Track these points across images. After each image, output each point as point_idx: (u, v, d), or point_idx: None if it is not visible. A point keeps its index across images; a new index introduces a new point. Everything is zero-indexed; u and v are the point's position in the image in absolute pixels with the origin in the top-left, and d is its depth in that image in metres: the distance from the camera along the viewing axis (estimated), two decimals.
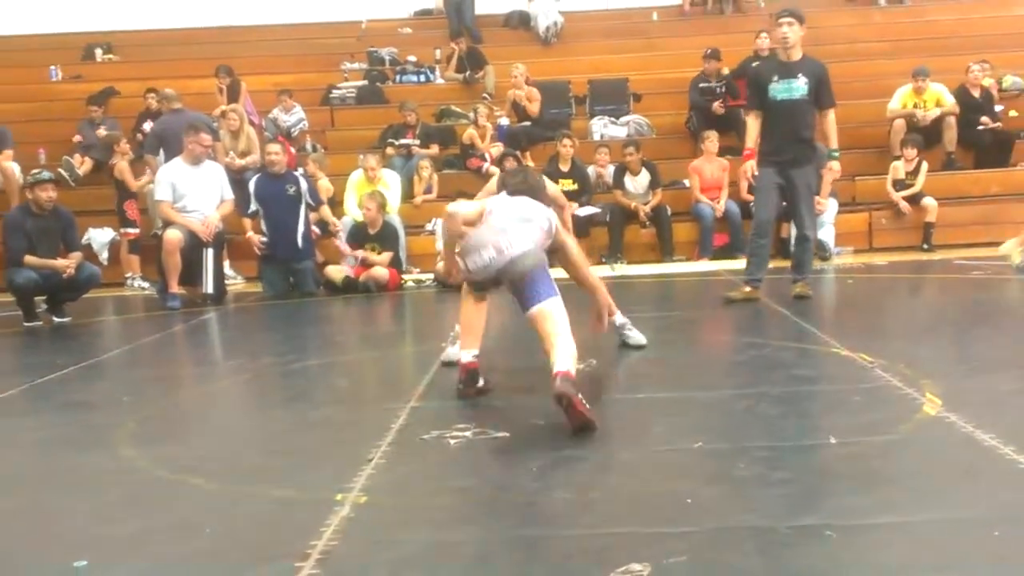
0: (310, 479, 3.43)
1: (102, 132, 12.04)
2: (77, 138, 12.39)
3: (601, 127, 12.55)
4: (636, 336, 5.53)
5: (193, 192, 8.75)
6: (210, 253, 8.70)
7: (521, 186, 4.65)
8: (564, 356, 3.96)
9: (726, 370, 5.32)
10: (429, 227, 10.43)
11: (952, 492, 3.03)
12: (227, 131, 10.77)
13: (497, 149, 11.25)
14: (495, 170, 10.89)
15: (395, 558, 2.69)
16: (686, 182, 11.01)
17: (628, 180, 10.76)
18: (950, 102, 11.22)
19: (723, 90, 11.87)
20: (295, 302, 8.73)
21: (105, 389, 5.46)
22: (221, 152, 10.26)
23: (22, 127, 12.23)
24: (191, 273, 8.68)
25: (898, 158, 10.86)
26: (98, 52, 15.34)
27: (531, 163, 11.41)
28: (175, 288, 8.56)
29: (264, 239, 9.08)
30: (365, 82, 13.93)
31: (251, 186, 9.19)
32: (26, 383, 5.47)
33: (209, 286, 8.68)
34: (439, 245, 5.19)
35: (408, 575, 2.60)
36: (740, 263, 8.07)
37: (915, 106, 11.33)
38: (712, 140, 10.81)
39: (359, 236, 9.35)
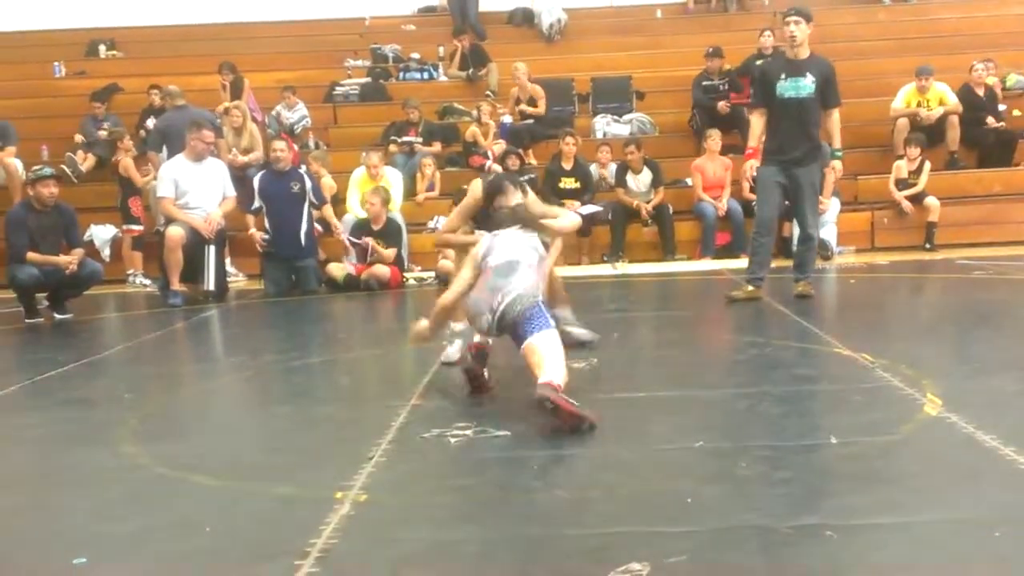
0: (311, 477, 3.43)
1: (105, 130, 12.04)
2: (79, 136, 12.39)
3: (604, 125, 12.55)
4: (580, 333, 5.41)
5: (195, 189, 8.75)
6: (212, 250, 8.71)
7: (508, 220, 4.67)
8: (549, 369, 3.95)
9: (727, 369, 5.32)
10: (431, 224, 10.43)
11: (953, 493, 3.03)
12: (230, 128, 10.77)
13: (500, 147, 11.25)
14: (498, 168, 10.90)
15: (395, 556, 2.69)
16: (688, 181, 11.00)
17: (630, 178, 10.75)
18: (953, 101, 11.20)
19: (726, 88, 11.86)
20: (297, 300, 8.74)
21: (106, 386, 5.46)
22: (224, 149, 10.27)
23: (25, 123, 12.23)
24: (193, 270, 8.69)
25: (901, 157, 10.84)
26: (101, 48, 15.36)
27: (534, 161, 11.43)
28: (177, 285, 8.57)
29: (266, 236, 9.09)
30: (368, 79, 13.93)
31: (255, 182, 9.21)
32: (27, 380, 5.47)
33: (211, 283, 8.69)
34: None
35: (408, 573, 2.61)
36: (742, 262, 8.08)
37: (919, 105, 11.32)
38: (715, 138, 10.81)
39: (362, 233, 9.35)
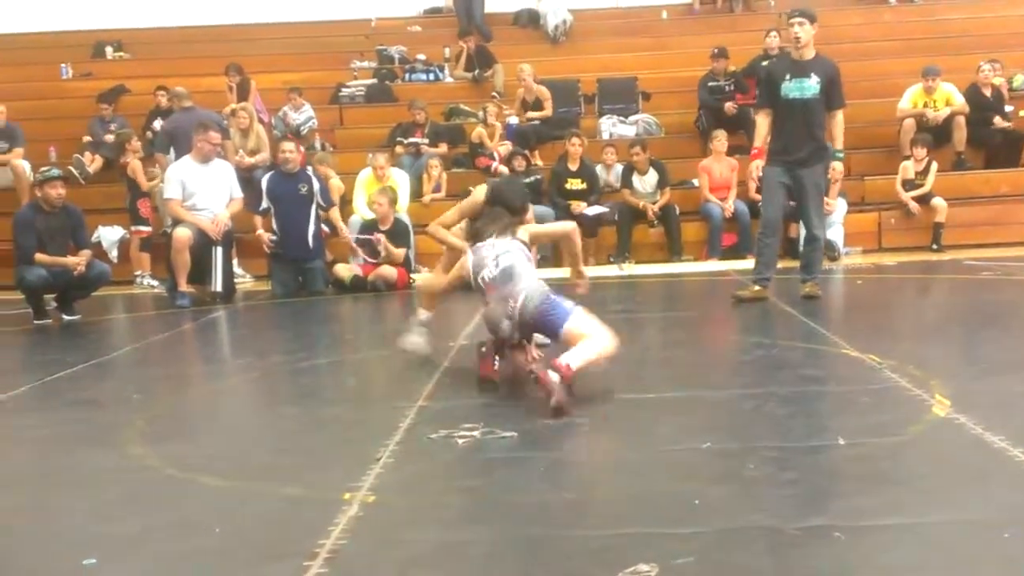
0: (319, 478, 3.44)
1: (112, 132, 12.06)
2: (87, 137, 12.42)
3: (610, 126, 12.54)
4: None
5: (202, 190, 8.76)
6: (219, 251, 8.72)
7: (503, 232, 4.91)
8: (574, 352, 4.27)
9: (734, 370, 5.32)
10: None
11: (961, 494, 3.03)
12: (237, 129, 10.80)
13: (506, 148, 11.25)
14: (504, 169, 10.92)
15: (403, 557, 2.69)
16: (695, 181, 10.99)
17: (636, 179, 10.75)
18: (960, 102, 11.18)
19: (732, 89, 11.85)
20: (304, 301, 8.74)
21: (114, 387, 5.47)
22: (231, 150, 10.29)
23: (32, 125, 12.27)
24: (200, 271, 8.70)
25: (908, 158, 10.82)
26: (108, 50, 15.38)
27: (540, 162, 11.43)
28: (184, 286, 8.58)
29: (274, 237, 9.11)
30: (374, 80, 13.94)
31: (263, 184, 9.23)
32: (35, 381, 5.49)
33: (218, 284, 8.70)
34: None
35: (416, 574, 2.61)
36: (749, 263, 8.07)
37: (925, 105, 11.29)
38: (721, 139, 10.79)
39: (369, 233, 9.36)
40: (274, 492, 3.30)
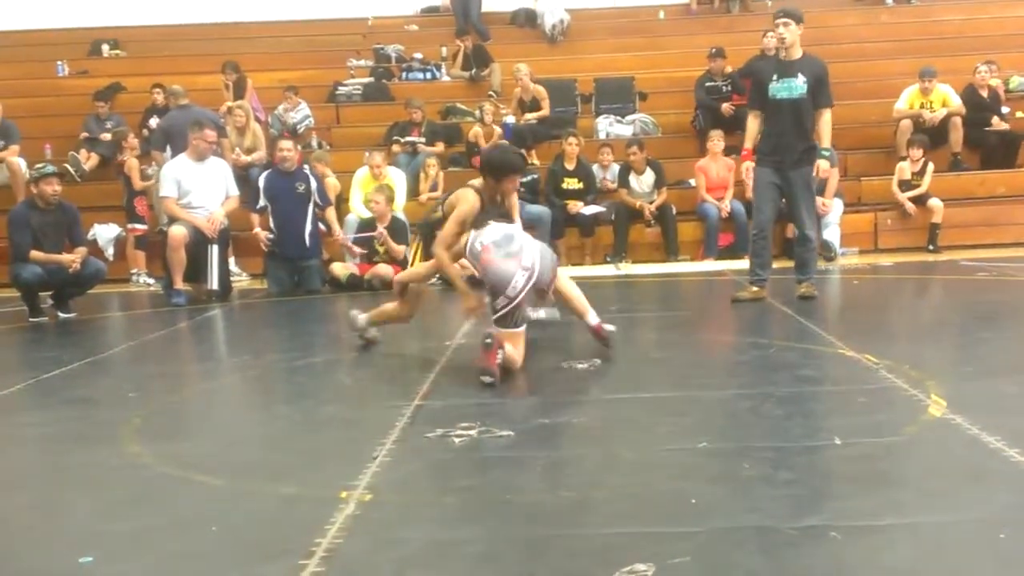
0: (315, 477, 3.44)
1: (108, 130, 12.05)
2: (83, 134, 12.40)
3: (607, 126, 12.54)
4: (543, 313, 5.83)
5: (198, 188, 8.75)
6: (215, 249, 8.71)
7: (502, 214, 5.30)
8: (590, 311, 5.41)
9: (731, 370, 5.32)
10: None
11: (957, 494, 3.03)
12: (233, 127, 10.79)
13: None
14: None
15: (400, 556, 2.69)
16: (692, 181, 10.99)
17: (633, 179, 10.75)
18: (956, 103, 11.20)
19: (728, 89, 11.86)
20: (300, 299, 8.74)
21: (110, 385, 5.46)
22: (227, 148, 10.28)
23: (28, 122, 12.24)
24: (196, 269, 8.69)
25: (904, 159, 10.83)
26: (104, 48, 15.36)
27: (536, 161, 11.42)
28: (180, 284, 8.58)
29: (271, 235, 9.10)
30: (371, 79, 13.92)
31: (260, 182, 9.23)
32: (31, 379, 5.48)
33: (214, 282, 8.69)
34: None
35: (413, 573, 2.61)
36: (745, 263, 8.07)
37: (922, 106, 11.31)
38: (718, 139, 10.80)
39: (366, 232, 9.35)
40: (270, 491, 3.30)
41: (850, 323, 6.62)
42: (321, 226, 9.53)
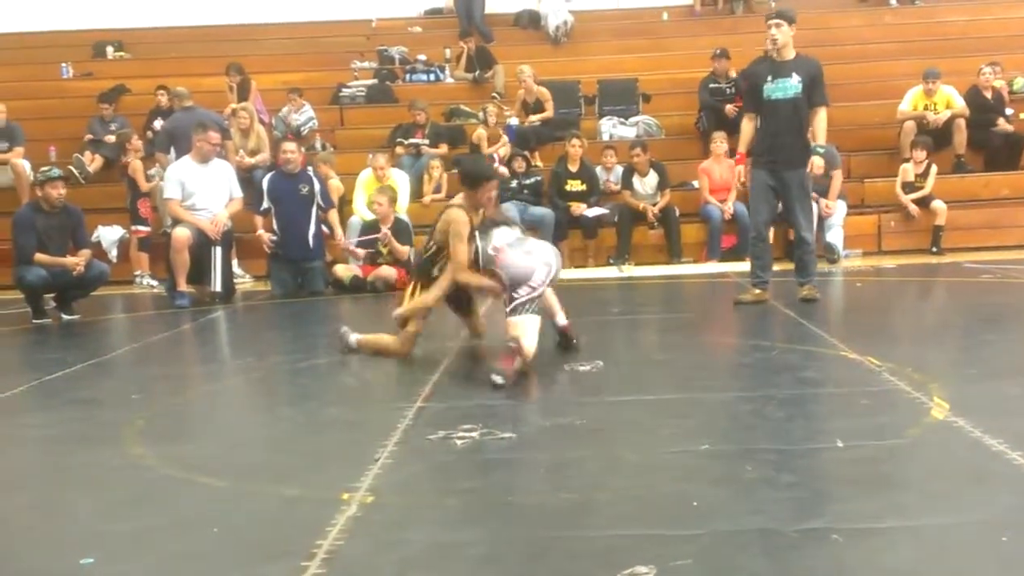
0: (317, 478, 3.44)
1: (112, 132, 12.07)
2: (88, 136, 12.42)
3: (610, 127, 12.54)
4: None
5: (202, 190, 8.76)
6: (218, 251, 8.72)
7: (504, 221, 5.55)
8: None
9: (733, 372, 5.32)
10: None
11: (960, 497, 3.03)
12: (237, 129, 10.80)
13: (505, 149, 11.25)
14: (504, 170, 10.92)
15: (401, 558, 2.69)
16: (695, 183, 10.99)
17: (636, 181, 10.75)
18: (960, 104, 11.19)
19: (732, 91, 11.85)
20: (303, 301, 8.75)
21: (113, 387, 5.47)
22: (231, 150, 10.29)
23: (33, 124, 12.28)
24: (199, 271, 8.70)
25: (908, 160, 10.82)
26: (109, 50, 15.40)
27: (540, 163, 11.43)
28: (183, 286, 8.59)
29: (274, 237, 9.11)
30: (375, 81, 13.94)
31: (264, 184, 9.24)
32: (35, 380, 5.49)
33: (217, 284, 8.70)
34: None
35: (414, 575, 2.61)
36: (748, 265, 8.07)
37: (925, 108, 11.30)
38: (721, 141, 10.79)
39: (369, 234, 9.36)
40: (272, 492, 3.30)
41: (853, 325, 6.61)
42: (324, 228, 9.54)
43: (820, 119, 7.07)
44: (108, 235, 10.71)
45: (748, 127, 7.28)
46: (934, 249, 10.38)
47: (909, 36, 14.60)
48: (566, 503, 3.09)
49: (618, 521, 2.92)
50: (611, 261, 10.51)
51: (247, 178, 9.94)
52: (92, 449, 4.00)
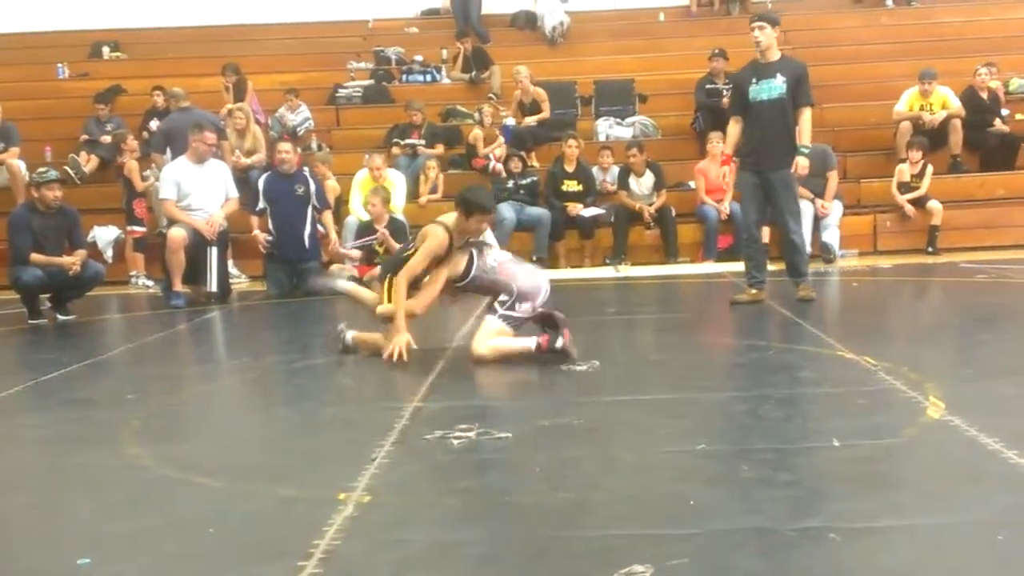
0: (314, 478, 3.44)
1: (108, 132, 12.05)
2: (84, 136, 12.41)
3: (607, 128, 12.55)
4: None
5: (198, 191, 8.75)
6: (214, 252, 8.71)
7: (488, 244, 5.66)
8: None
9: (729, 372, 5.32)
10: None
11: (956, 496, 3.03)
12: (233, 130, 10.79)
13: (502, 149, 11.25)
14: (500, 169, 10.93)
15: (398, 557, 2.69)
16: (691, 183, 10.99)
17: (633, 181, 10.76)
18: (956, 105, 11.20)
19: (729, 91, 11.85)
20: (299, 301, 8.73)
21: (109, 387, 5.46)
22: (227, 151, 10.28)
23: (28, 124, 12.27)
24: (195, 272, 8.69)
25: (903, 161, 10.84)
26: (105, 50, 15.37)
27: (536, 163, 11.43)
28: (179, 286, 8.58)
29: (269, 237, 9.10)
30: (371, 81, 13.94)
31: (260, 184, 9.23)
32: (30, 380, 5.48)
33: (213, 285, 8.69)
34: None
35: (411, 575, 2.61)
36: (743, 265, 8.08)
37: (921, 108, 11.31)
38: (717, 141, 10.75)
39: (365, 235, 9.36)
40: (269, 492, 3.30)
41: (849, 325, 6.62)
42: (320, 228, 9.53)
43: (805, 119, 7.09)
44: (104, 235, 10.70)
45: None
46: (930, 249, 10.38)
47: (905, 37, 14.62)
48: (563, 503, 3.09)
49: (615, 520, 2.92)
50: (607, 261, 10.52)
51: (243, 178, 9.93)
52: (88, 449, 4.00)
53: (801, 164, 7.02)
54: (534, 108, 12.19)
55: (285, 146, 9.41)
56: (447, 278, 5.42)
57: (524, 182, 10.67)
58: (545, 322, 5.38)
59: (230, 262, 9.64)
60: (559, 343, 5.23)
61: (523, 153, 11.09)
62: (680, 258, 10.50)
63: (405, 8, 16.41)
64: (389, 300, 5.52)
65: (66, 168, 11.29)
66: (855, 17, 15.54)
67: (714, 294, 8.54)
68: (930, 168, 10.68)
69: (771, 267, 7.63)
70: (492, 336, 5.31)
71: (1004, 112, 11.66)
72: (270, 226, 9.16)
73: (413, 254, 5.49)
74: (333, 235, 9.51)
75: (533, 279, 5.45)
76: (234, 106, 11.49)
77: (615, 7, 16.28)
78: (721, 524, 2.82)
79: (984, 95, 11.44)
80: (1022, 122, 11.89)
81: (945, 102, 11.24)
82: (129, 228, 10.49)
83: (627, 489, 3.20)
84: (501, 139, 11.51)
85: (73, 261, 7.84)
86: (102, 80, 13.95)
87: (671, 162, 11.41)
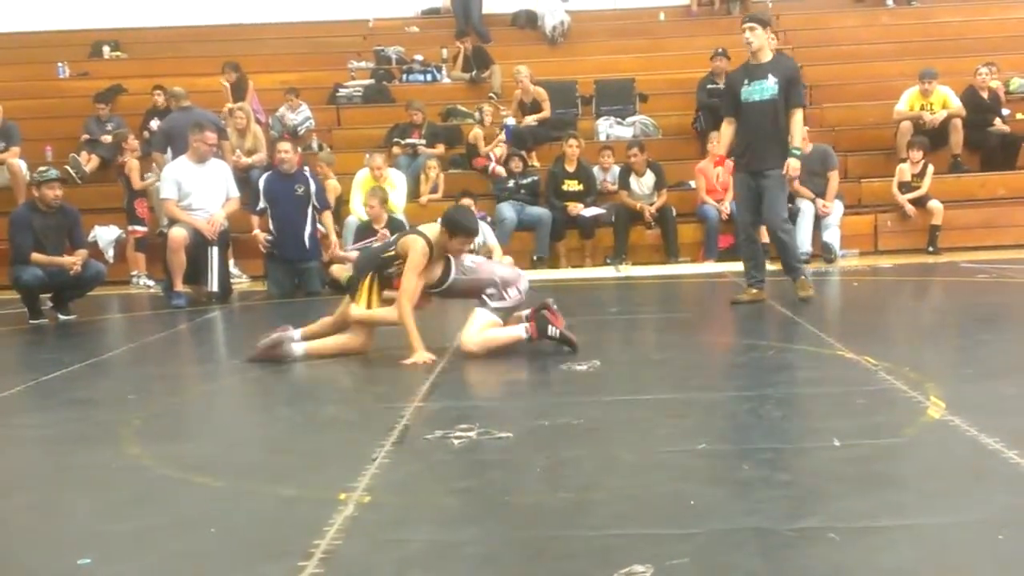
0: (314, 478, 3.44)
1: (109, 132, 12.06)
2: (84, 136, 12.41)
3: (607, 127, 12.55)
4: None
5: (198, 190, 8.75)
6: (215, 251, 8.71)
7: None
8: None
9: (729, 372, 5.33)
10: None
11: (956, 495, 3.03)
12: (234, 129, 10.79)
13: (502, 149, 11.25)
14: (501, 169, 10.92)
15: (398, 557, 2.69)
16: (692, 183, 11.00)
17: (633, 181, 10.77)
18: (956, 105, 11.21)
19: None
20: (300, 301, 8.74)
21: (110, 387, 5.47)
22: (228, 150, 10.28)
23: (29, 124, 12.27)
24: (196, 271, 8.69)
25: (904, 160, 10.84)
26: (105, 49, 15.39)
27: (537, 163, 11.44)
28: (180, 286, 8.58)
29: (270, 237, 9.11)
30: (371, 81, 13.95)
31: (260, 184, 9.23)
32: (31, 380, 5.48)
33: (214, 284, 8.69)
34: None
35: (411, 574, 2.61)
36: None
37: (922, 108, 11.32)
38: (718, 141, 10.77)
39: (366, 235, 9.36)
40: (269, 492, 3.30)
41: (849, 325, 6.62)
42: (320, 228, 9.53)
43: (796, 120, 7.09)
44: (105, 235, 10.71)
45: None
46: (930, 249, 10.39)
47: (905, 36, 14.62)
48: (563, 502, 3.09)
49: (615, 520, 2.92)
50: (608, 261, 10.52)
51: (244, 178, 9.94)
52: (89, 449, 4.00)
53: (792, 165, 7.01)
54: (535, 108, 12.19)
55: (285, 146, 9.41)
56: (424, 285, 5.51)
57: (525, 182, 10.68)
58: (536, 312, 5.48)
59: (231, 262, 9.65)
60: (551, 331, 5.33)
61: (523, 153, 11.10)
62: (681, 258, 10.51)
63: (405, 7, 16.42)
64: (368, 301, 5.62)
65: (67, 167, 11.30)
66: (855, 17, 15.54)
67: (715, 294, 8.55)
68: (931, 168, 10.69)
69: (770, 267, 7.63)
70: (483, 328, 5.43)
71: (1005, 112, 11.67)
72: (270, 226, 9.17)
73: (392, 256, 5.57)
74: (333, 236, 9.50)
75: (511, 268, 5.80)
76: (235, 105, 11.49)
77: (616, 6, 16.29)
78: (721, 524, 2.82)
79: (984, 95, 11.45)
80: (1023, 122, 11.90)
81: (945, 102, 11.24)
82: (130, 228, 10.50)
83: (627, 489, 3.20)
84: (502, 138, 11.52)
85: (74, 261, 7.85)
86: (102, 80, 13.96)
87: (672, 162, 11.42)
